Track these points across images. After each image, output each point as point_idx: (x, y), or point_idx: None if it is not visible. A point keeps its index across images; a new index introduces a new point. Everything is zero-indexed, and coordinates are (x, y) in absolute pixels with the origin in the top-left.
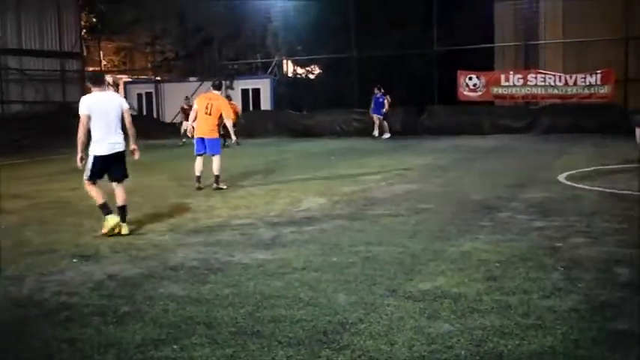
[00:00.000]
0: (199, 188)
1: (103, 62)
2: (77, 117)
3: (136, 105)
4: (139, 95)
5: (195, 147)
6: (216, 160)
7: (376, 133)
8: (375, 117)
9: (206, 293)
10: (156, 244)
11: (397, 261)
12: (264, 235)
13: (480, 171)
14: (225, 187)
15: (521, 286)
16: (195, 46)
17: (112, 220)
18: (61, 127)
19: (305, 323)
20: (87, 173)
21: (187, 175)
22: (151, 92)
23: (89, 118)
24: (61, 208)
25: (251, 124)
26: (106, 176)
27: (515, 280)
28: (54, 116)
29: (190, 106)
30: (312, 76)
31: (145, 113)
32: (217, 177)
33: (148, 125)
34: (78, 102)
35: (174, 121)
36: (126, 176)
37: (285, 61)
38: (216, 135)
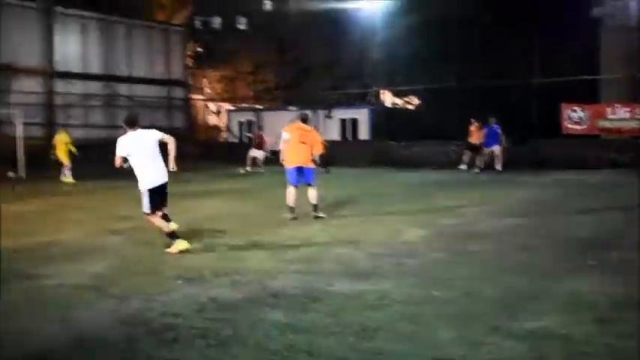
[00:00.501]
0: (294, 219)
1: (207, 90)
2: (183, 143)
3: (237, 132)
4: (240, 123)
5: (290, 177)
6: (314, 189)
7: (499, 166)
8: (496, 149)
9: (307, 321)
10: (256, 270)
11: (500, 298)
12: (363, 265)
13: (586, 206)
14: (324, 215)
15: (633, 331)
16: (294, 75)
17: (183, 244)
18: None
19: (406, 357)
20: (147, 207)
21: (283, 204)
22: (251, 120)
23: (124, 159)
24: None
25: (349, 153)
26: None
27: (628, 325)
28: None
29: (261, 136)
30: (410, 107)
31: (245, 140)
32: (316, 206)
33: (248, 152)
34: (183, 128)
35: (273, 148)
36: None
37: (383, 92)
38: (312, 164)
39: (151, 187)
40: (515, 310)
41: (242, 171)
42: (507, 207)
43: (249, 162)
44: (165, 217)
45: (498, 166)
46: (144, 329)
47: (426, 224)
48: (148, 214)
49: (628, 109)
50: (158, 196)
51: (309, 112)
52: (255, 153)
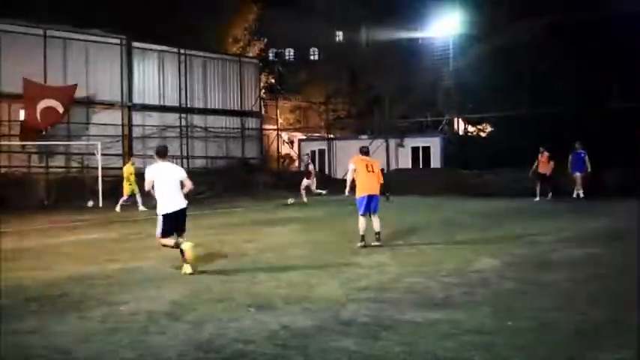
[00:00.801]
0: (364, 246)
1: (280, 120)
2: (255, 172)
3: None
4: (312, 152)
5: (362, 206)
6: (378, 217)
7: (581, 192)
8: (578, 175)
9: (378, 349)
10: (327, 298)
11: (577, 329)
12: (435, 294)
13: None
14: (381, 244)
15: None
16: (366, 104)
17: (188, 268)
18: (240, 181)
19: None
20: (159, 230)
21: (351, 231)
22: (323, 149)
23: (153, 183)
24: (236, 258)
25: (421, 181)
26: None
27: None
28: (234, 171)
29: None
30: (483, 134)
31: (317, 169)
32: (379, 233)
33: (321, 181)
34: (256, 157)
35: (345, 176)
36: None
37: (455, 119)
38: (379, 193)
39: (164, 212)
40: (591, 341)
41: (290, 201)
42: (581, 236)
43: (303, 192)
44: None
45: (580, 192)
46: (216, 355)
47: (498, 253)
48: (158, 237)
49: None
50: (172, 221)
51: (369, 144)
52: (306, 182)
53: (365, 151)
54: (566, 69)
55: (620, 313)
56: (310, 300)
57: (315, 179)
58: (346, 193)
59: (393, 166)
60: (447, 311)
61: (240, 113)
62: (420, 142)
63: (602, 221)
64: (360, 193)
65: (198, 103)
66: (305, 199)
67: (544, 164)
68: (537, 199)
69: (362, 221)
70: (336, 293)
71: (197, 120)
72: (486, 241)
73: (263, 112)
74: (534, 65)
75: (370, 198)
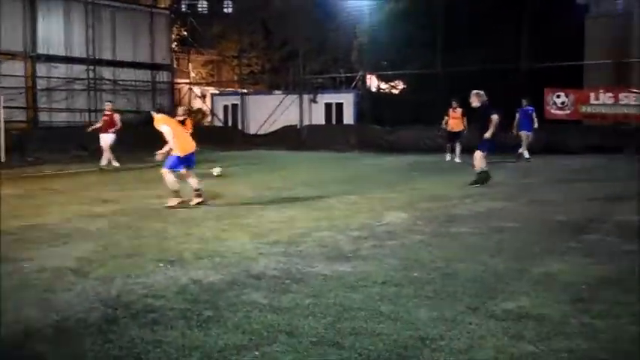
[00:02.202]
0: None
1: (192, 74)
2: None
3: (221, 116)
4: (225, 107)
5: (179, 164)
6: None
7: (526, 153)
8: (524, 134)
9: (287, 302)
10: (238, 252)
11: (479, 279)
12: (344, 247)
13: (567, 190)
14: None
15: (610, 310)
16: (280, 59)
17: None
18: (150, 136)
19: (385, 337)
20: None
21: (269, 185)
22: (236, 104)
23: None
24: (146, 214)
25: (333, 137)
26: None
27: (604, 304)
28: (144, 126)
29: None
30: (395, 92)
31: (230, 124)
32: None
33: (233, 136)
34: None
35: (258, 132)
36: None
37: (369, 76)
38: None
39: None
40: (493, 290)
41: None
42: (489, 191)
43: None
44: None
45: (526, 153)
46: (125, 311)
47: (408, 208)
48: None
49: (612, 95)
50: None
51: (282, 99)
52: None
53: (159, 109)
54: (478, 29)
55: (521, 264)
56: (221, 254)
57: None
58: (159, 156)
59: (306, 122)
60: (356, 264)
61: (151, 66)
62: (333, 98)
63: (508, 177)
64: (184, 152)
65: (107, 55)
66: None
67: (456, 120)
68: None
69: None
70: (247, 247)
71: (105, 72)
72: (396, 196)
73: (175, 65)
74: (449, 24)
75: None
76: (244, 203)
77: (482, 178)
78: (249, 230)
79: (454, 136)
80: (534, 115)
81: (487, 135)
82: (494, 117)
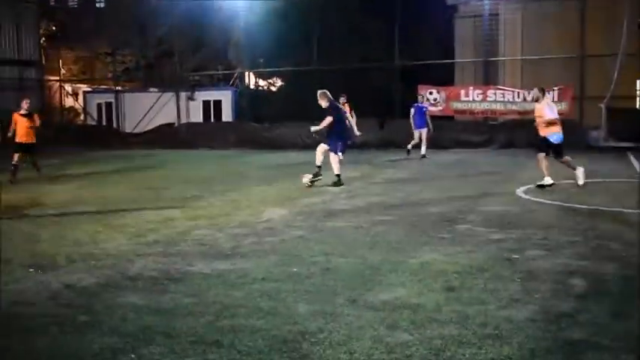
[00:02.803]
0: None
1: (62, 71)
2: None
3: (95, 115)
4: (99, 105)
5: None
6: None
7: (423, 149)
8: (423, 132)
9: (165, 303)
10: (114, 254)
11: (357, 272)
12: (224, 245)
13: (439, 184)
14: None
15: (479, 296)
16: (156, 56)
17: None
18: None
19: (265, 332)
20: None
21: (147, 185)
22: (111, 102)
23: None
24: (18, 218)
25: (211, 135)
26: None
27: (474, 291)
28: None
29: None
30: (274, 89)
31: (104, 123)
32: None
33: (108, 136)
34: (36, 111)
35: (134, 131)
36: None
37: (247, 73)
38: None
39: None
40: (371, 282)
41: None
42: (365, 186)
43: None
44: None
45: (424, 150)
46: None
47: (287, 204)
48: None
49: (480, 92)
50: None
51: (158, 97)
52: None
53: None
54: (354, 26)
55: (397, 255)
56: (96, 257)
57: None
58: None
59: (184, 120)
60: (235, 261)
61: (18, 62)
62: (211, 95)
63: (385, 172)
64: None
65: None
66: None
67: None
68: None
69: None
70: (123, 249)
71: None
72: (276, 192)
73: (44, 61)
74: (325, 21)
75: None
76: (121, 203)
77: (337, 182)
78: (126, 231)
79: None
80: (427, 113)
81: (313, 128)
82: (328, 118)
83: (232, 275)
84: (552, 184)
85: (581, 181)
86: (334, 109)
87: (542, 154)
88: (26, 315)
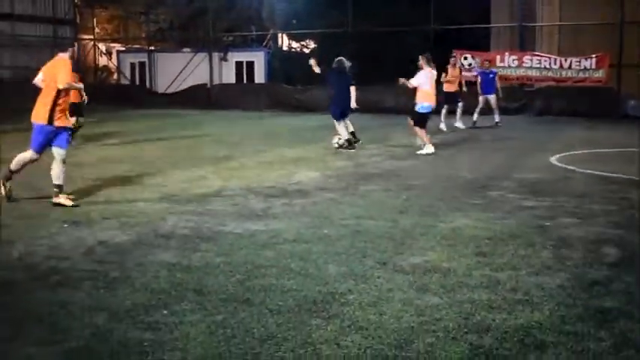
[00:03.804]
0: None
1: (96, 30)
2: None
3: (128, 74)
4: (132, 64)
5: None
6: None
7: (497, 117)
8: (492, 98)
9: (197, 261)
10: (146, 212)
11: (387, 235)
12: (255, 206)
13: (473, 150)
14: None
15: (510, 262)
16: (189, 16)
17: None
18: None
19: (295, 292)
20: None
21: (179, 145)
22: (144, 62)
23: None
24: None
25: (244, 97)
26: None
27: (505, 257)
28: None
29: None
30: (306, 50)
31: (137, 83)
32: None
33: (141, 95)
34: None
35: (167, 91)
36: None
37: (280, 35)
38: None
39: None
40: (401, 246)
41: None
42: (398, 150)
43: None
44: None
45: (497, 117)
46: (28, 273)
47: (319, 167)
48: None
49: (516, 57)
50: None
51: (191, 57)
52: None
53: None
54: None
55: (428, 220)
56: (128, 214)
57: None
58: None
59: (216, 81)
60: (267, 222)
61: (52, 20)
62: (244, 56)
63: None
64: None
65: (4, 8)
66: None
67: (454, 80)
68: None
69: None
70: (156, 207)
71: (3, 26)
72: (307, 155)
73: (78, 20)
74: None
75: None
76: (155, 162)
77: (346, 143)
78: (158, 190)
79: (451, 98)
80: (497, 78)
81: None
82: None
83: (263, 236)
84: (433, 152)
85: (420, 152)
86: (331, 76)
87: (417, 126)
88: (60, 269)
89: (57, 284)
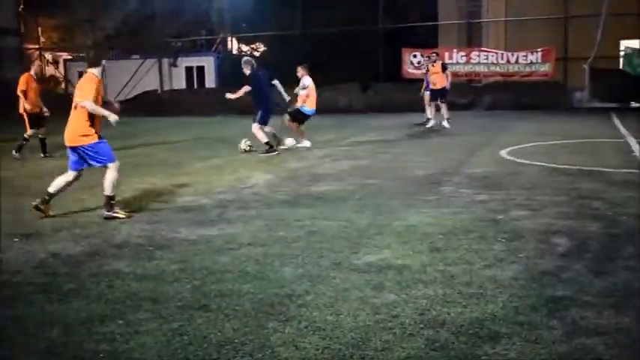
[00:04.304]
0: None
1: (42, 39)
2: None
3: (76, 83)
4: (80, 73)
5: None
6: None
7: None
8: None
9: (152, 269)
10: (99, 222)
11: (343, 235)
12: (210, 211)
13: (424, 147)
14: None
15: (464, 257)
16: (137, 22)
17: None
18: None
19: (252, 296)
20: None
21: (129, 153)
22: None
23: None
24: None
25: (195, 102)
26: None
27: (459, 252)
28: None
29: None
30: (257, 54)
31: None
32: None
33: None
34: (16, 79)
35: (117, 98)
36: None
37: (229, 39)
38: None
39: None
40: (357, 245)
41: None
42: (350, 150)
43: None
44: None
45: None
46: None
47: (271, 169)
48: None
49: (464, 54)
50: None
51: (140, 64)
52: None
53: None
54: None
55: (382, 218)
56: (80, 225)
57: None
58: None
59: (166, 87)
60: (222, 227)
61: None
62: (194, 61)
63: (370, 135)
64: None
65: None
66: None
67: (437, 75)
68: (432, 123)
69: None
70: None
71: None
72: (260, 157)
73: (22, 29)
74: None
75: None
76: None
77: (268, 149)
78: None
79: (437, 94)
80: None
81: (228, 95)
82: (245, 87)
83: (219, 241)
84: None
85: (284, 145)
86: (252, 79)
87: (295, 123)
88: (12, 283)
89: (10, 298)
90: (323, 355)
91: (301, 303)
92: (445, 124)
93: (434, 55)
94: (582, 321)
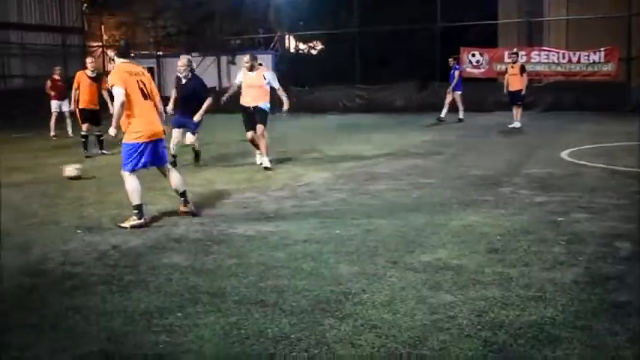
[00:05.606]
0: (143, 225)
1: (105, 37)
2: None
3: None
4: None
5: (133, 159)
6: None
7: (461, 114)
8: (457, 94)
9: (209, 264)
10: (158, 217)
11: (399, 233)
12: (266, 208)
13: (482, 147)
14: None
15: (522, 258)
16: (196, 20)
17: None
18: None
19: (308, 293)
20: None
21: (186, 150)
22: (152, 67)
23: None
24: (62, 181)
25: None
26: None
27: (517, 253)
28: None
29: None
30: (314, 52)
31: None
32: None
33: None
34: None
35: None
36: None
37: (287, 37)
38: None
39: None
40: (413, 244)
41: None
42: (408, 149)
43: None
44: None
45: (461, 114)
46: (44, 279)
47: (329, 167)
48: None
49: (524, 53)
50: None
51: (199, 61)
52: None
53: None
54: None
55: (439, 217)
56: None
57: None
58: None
59: (224, 84)
60: (278, 223)
61: (61, 29)
62: None
63: (428, 135)
64: (135, 135)
65: (12, 17)
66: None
67: (514, 77)
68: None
69: (132, 182)
70: (167, 211)
71: (13, 36)
72: (316, 156)
73: (86, 28)
74: None
75: (153, 144)
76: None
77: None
78: (167, 194)
79: (513, 97)
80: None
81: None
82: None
83: (275, 237)
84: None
85: (259, 161)
86: (176, 81)
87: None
88: (75, 274)
89: (72, 289)
90: (379, 353)
91: (357, 301)
92: (516, 124)
93: (514, 55)
94: None
